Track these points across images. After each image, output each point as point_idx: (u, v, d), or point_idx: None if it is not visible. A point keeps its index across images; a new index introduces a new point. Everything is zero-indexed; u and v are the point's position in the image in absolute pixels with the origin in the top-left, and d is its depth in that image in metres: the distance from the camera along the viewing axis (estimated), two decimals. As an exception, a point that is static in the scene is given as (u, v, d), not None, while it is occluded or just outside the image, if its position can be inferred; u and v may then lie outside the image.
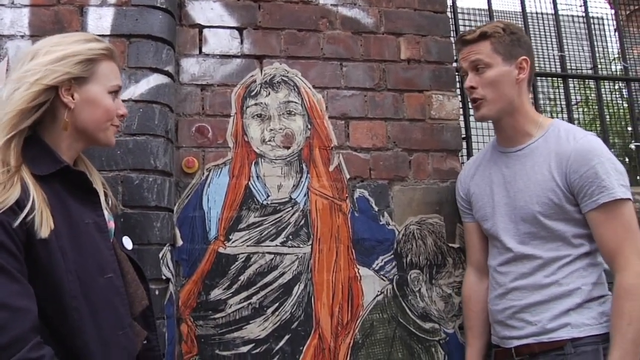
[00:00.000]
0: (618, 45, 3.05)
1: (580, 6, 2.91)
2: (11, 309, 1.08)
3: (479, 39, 1.76)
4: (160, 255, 1.75)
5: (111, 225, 1.40)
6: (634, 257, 1.58)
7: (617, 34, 3.02)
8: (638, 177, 3.15)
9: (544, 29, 2.94)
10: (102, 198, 1.37)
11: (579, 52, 3.03)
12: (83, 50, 1.33)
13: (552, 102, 3.35)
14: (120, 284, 1.32)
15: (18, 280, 1.12)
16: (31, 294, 1.13)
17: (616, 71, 3.39)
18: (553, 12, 2.80)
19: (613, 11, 3.11)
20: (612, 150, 3.35)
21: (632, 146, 2.86)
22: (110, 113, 1.38)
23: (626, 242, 1.59)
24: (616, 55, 3.27)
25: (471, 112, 2.37)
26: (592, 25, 2.93)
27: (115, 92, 1.40)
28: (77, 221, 1.26)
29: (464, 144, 2.34)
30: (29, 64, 1.27)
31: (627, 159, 3.72)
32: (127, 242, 1.49)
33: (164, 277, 1.75)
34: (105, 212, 1.38)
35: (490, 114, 1.78)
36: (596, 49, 2.88)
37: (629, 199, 1.62)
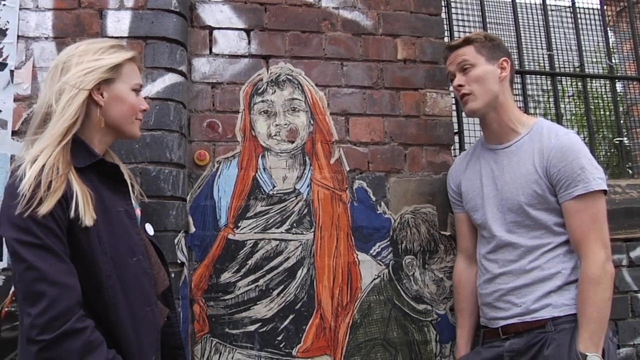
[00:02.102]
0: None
1: (569, 7, 3.00)
2: (61, 285, 1.23)
3: (464, 44, 1.95)
4: (176, 241, 1.89)
5: (138, 212, 1.54)
6: (597, 246, 1.72)
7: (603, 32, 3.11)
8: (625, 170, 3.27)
9: (535, 22, 3.01)
10: (130, 188, 1.52)
11: (568, 46, 3.10)
12: (110, 60, 1.46)
13: (541, 99, 3.45)
14: (148, 265, 1.45)
15: (65, 260, 1.27)
16: (75, 273, 1.28)
17: (606, 67, 3.47)
18: (542, 6, 2.86)
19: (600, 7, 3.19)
20: (602, 144, 3.48)
21: (616, 140, 2.98)
22: (135, 108, 1.52)
23: (591, 232, 1.73)
24: (604, 52, 3.36)
25: (463, 108, 2.52)
26: (585, 20, 3.02)
27: (137, 90, 1.54)
28: (110, 209, 1.39)
29: (457, 138, 2.47)
30: (64, 76, 1.40)
31: (616, 152, 3.83)
32: (149, 229, 1.62)
33: (179, 262, 1.89)
34: (133, 201, 1.51)
35: (478, 107, 1.92)
36: (589, 42, 2.97)
37: (603, 191, 1.76)
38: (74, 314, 1.23)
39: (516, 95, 2.44)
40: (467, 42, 1.95)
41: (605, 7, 3.12)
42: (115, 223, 1.39)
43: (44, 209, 1.24)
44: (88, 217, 1.30)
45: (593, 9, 3.32)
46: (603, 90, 3.60)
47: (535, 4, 2.94)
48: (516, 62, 2.57)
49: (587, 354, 1.64)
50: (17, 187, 1.26)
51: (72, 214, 1.28)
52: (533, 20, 2.96)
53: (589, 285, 1.70)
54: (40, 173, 1.28)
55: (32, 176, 1.27)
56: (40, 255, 1.23)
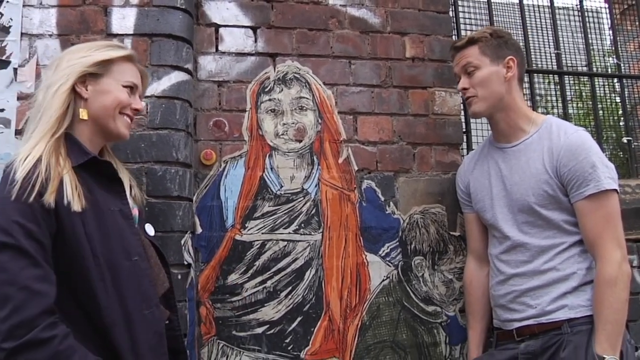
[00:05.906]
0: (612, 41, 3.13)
1: (577, 5, 2.98)
2: (30, 291, 1.16)
3: (468, 45, 1.90)
4: (182, 242, 1.85)
5: (135, 212, 1.50)
6: (612, 247, 1.69)
7: (610, 30, 3.09)
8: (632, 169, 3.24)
9: (541, 22, 2.99)
10: (127, 187, 1.47)
11: (575, 46, 3.08)
12: (98, 56, 1.44)
13: (547, 99, 3.43)
14: (146, 266, 1.41)
15: (41, 265, 1.20)
16: (52, 280, 1.21)
17: (610, 66, 3.45)
18: (549, 5, 2.85)
19: (607, 6, 3.17)
20: (607, 143, 3.47)
21: (625, 140, 2.95)
22: (119, 101, 1.45)
23: (605, 232, 1.70)
24: (609, 51, 3.34)
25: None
26: (589, 20, 2.99)
27: (130, 88, 1.49)
28: (103, 209, 1.35)
29: (465, 137, 2.44)
30: (55, 73, 1.39)
31: (620, 153, 3.81)
32: (150, 229, 1.59)
33: (185, 263, 1.86)
34: (130, 200, 1.47)
35: (482, 110, 1.90)
36: (593, 43, 2.95)
37: (615, 190, 1.73)
38: (41, 322, 1.16)
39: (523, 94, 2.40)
40: (471, 42, 1.90)
41: (613, 7, 3.10)
42: (108, 223, 1.35)
43: (47, 198, 1.22)
44: (76, 202, 1.26)
45: (596, 10, 3.31)
46: (606, 90, 3.58)
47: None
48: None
49: (604, 356, 1.60)
50: (7, 183, 1.24)
51: (61, 201, 1.25)
52: (540, 18, 2.94)
53: (605, 287, 1.67)
54: (34, 168, 1.26)
55: (25, 169, 1.25)
56: (13, 257, 1.17)
